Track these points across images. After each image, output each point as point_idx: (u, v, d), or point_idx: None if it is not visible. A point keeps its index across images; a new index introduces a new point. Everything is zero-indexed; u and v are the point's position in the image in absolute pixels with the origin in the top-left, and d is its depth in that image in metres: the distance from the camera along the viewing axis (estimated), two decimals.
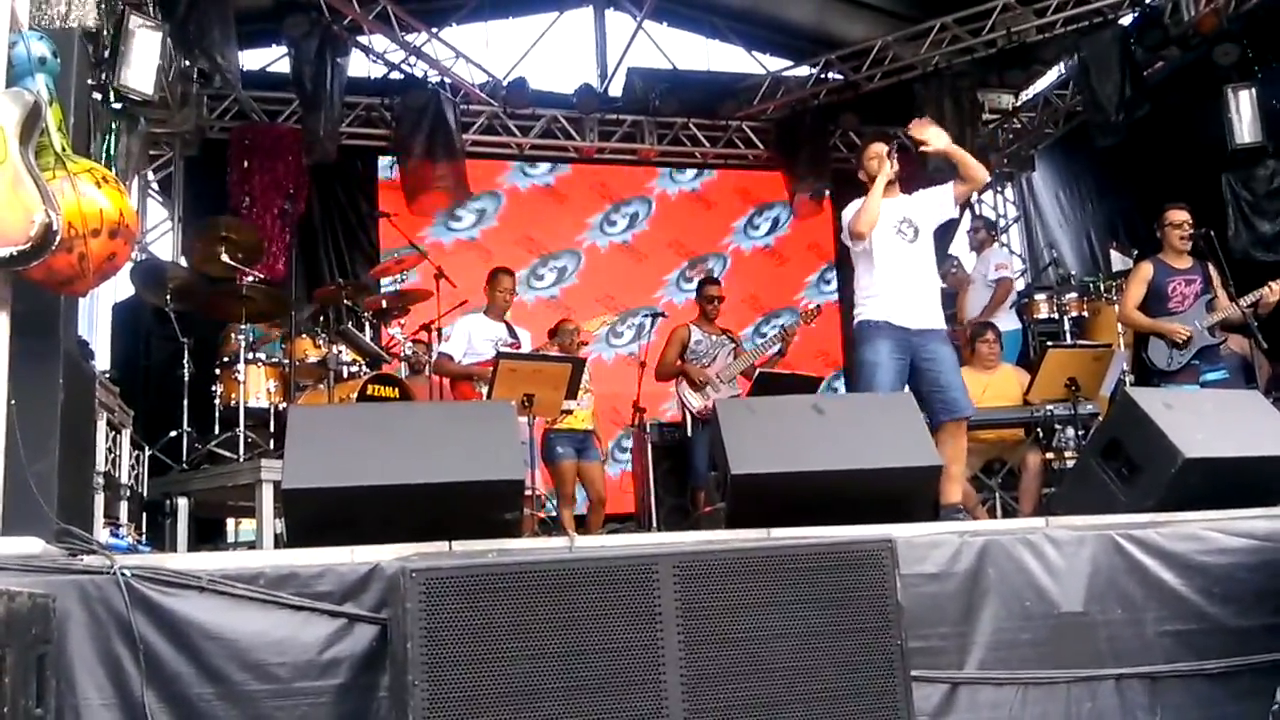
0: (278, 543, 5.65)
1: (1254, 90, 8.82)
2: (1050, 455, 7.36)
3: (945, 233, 10.50)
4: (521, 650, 2.75)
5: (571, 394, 6.47)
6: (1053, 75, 11.21)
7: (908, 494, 4.16)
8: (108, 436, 5.31)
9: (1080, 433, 7.12)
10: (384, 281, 9.32)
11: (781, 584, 2.97)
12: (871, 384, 5.32)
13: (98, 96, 6.73)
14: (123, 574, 3.04)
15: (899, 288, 5.49)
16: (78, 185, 3.33)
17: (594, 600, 2.82)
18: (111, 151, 7.37)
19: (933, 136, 5.60)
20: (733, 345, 8.02)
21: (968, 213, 10.99)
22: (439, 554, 3.30)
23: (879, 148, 5.64)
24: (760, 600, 2.94)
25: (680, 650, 2.85)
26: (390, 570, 3.13)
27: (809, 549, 3.05)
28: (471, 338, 7.27)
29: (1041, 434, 7.35)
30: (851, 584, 3.03)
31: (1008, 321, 8.66)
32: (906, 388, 5.37)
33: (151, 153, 10.29)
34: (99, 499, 5.04)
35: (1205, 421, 4.59)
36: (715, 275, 10.01)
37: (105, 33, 5.07)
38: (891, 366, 5.34)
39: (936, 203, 5.69)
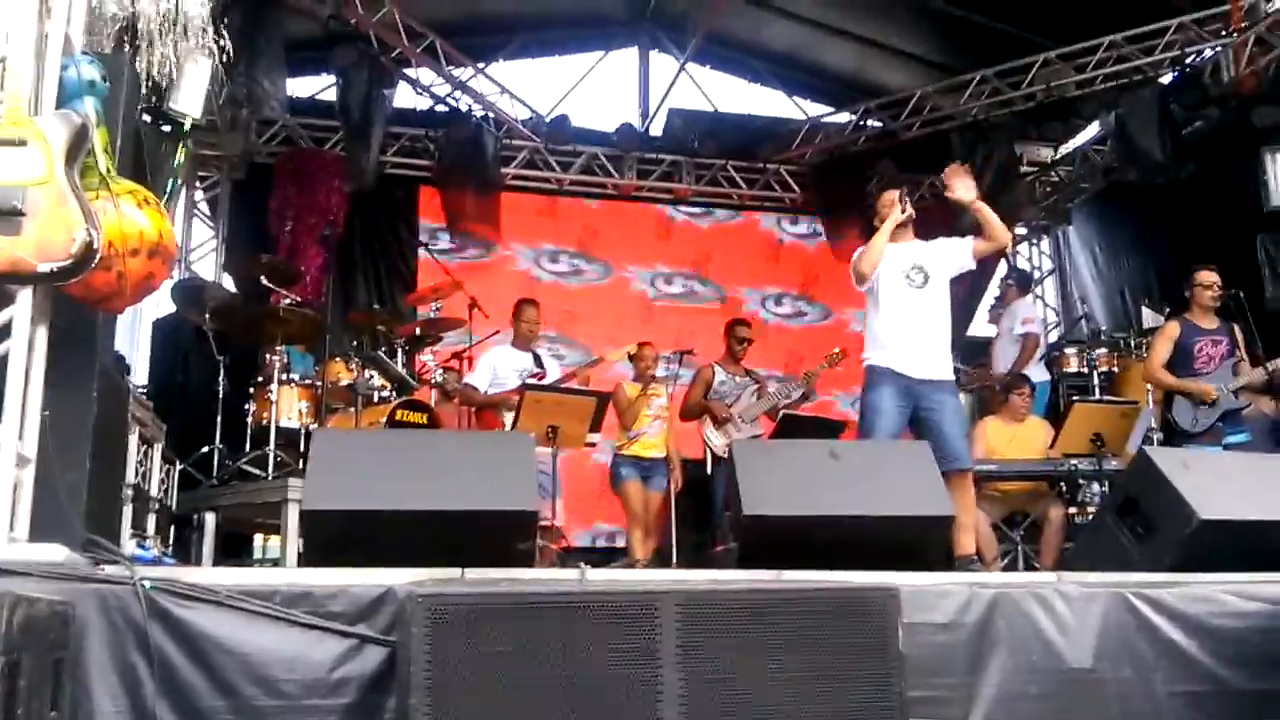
0: (301, 561, 5.73)
1: None
2: (1074, 510, 7.34)
3: (981, 281, 10.62)
4: (523, 680, 2.78)
5: (595, 427, 6.51)
6: (1092, 130, 11.20)
7: (920, 542, 4.18)
8: (139, 450, 5.42)
9: (1105, 488, 7.10)
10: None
11: (783, 627, 2.98)
12: (873, 430, 5.34)
13: (147, 119, 6.89)
14: (142, 585, 3.11)
15: (904, 334, 5.50)
16: (120, 206, 3.44)
17: (596, 635, 2.85)
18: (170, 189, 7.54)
19: (960, 187, 5.60)
20: (756, 386, 8.06)
21: (1003, 263, 11.02)
22: (451, 580, 3.35)
23: (893, 194, 5.67)
24: (762, 643, 2.96)
25: (680, 689, 2.86)
26: (402, 594, 3.19)
27: (812, 594, 3.07)
28: (496, 369, 7.33)
29: (1065, 488, 7.34)
30: (854, 631, 3.04)
31: (1036, 374, 8.64)
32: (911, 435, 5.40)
33: (200, 174, 10.53)
34: (127, 511, 5.14)
35: (1224, 483, 4.57)
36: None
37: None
38: (893, 414, 5.36)
39: (953, 253, 5.68)
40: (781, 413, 7.75)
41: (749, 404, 7.90)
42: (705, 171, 11.64)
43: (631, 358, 7.76)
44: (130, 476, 5.17)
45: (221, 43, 6.07)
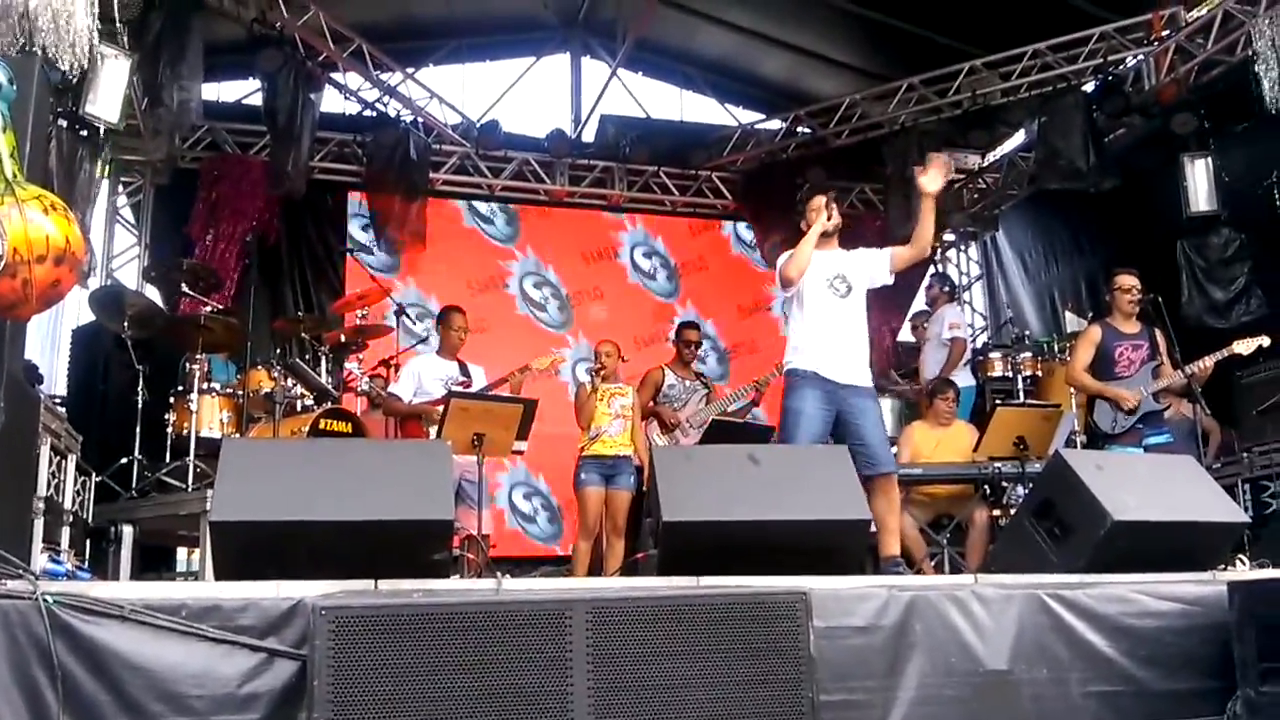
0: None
1: (1209, 159, 9.02)
2: (998, 512, 7.43)
3: (910, 287, 10.74)
4: (431, 691, 2.76)
5: (522, 435, 6.46)
6: (1018, 138, 11.38)
7: (837, 546, 4.19)
8: (52, 461, 5.28)
9: (1028, 490, 7.18)
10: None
11: (694, 632, 2.99)
12: (795, 433, 5.34)
13: (63, 123, 6.79)
14: (45, 600, 3.04)
15: (828, 340, 5.52)
16: (25, 212, 3.36)
17: (506, 643, 2.84)
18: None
19: (934, 174, 5.52)
20: (706, 391, 8.05)
21: (930, 269, 11.14)
22: (360, 592, 3.30)
23: (821, 199, 5.69)
24: (673, 648, 2.96)
25: (589, 696, 2.86)
26: (311, 606, 3.14)
27: (722, 598, 3.07)
28: (421, 378, 7.23)
29: (989, 491, 7.43)
30: (765, 635, 3.05)
31: (962, 378, 8.75)
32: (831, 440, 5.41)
33: (123, 179, 10.35)
34: (39, 524, 5.01)
35: (1137, 485, 4.64)
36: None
37: (74, 62, 5.10)
38: (817, 417, 5.36)
39: (872, 265, 5.74)
40: (711, 419, 7.75)
41: (697, 409, 7.89)
42: (637, 178, 11.65)
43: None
44: (42, 489, 5.04)
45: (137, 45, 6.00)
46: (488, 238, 11.20)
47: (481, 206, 11.25)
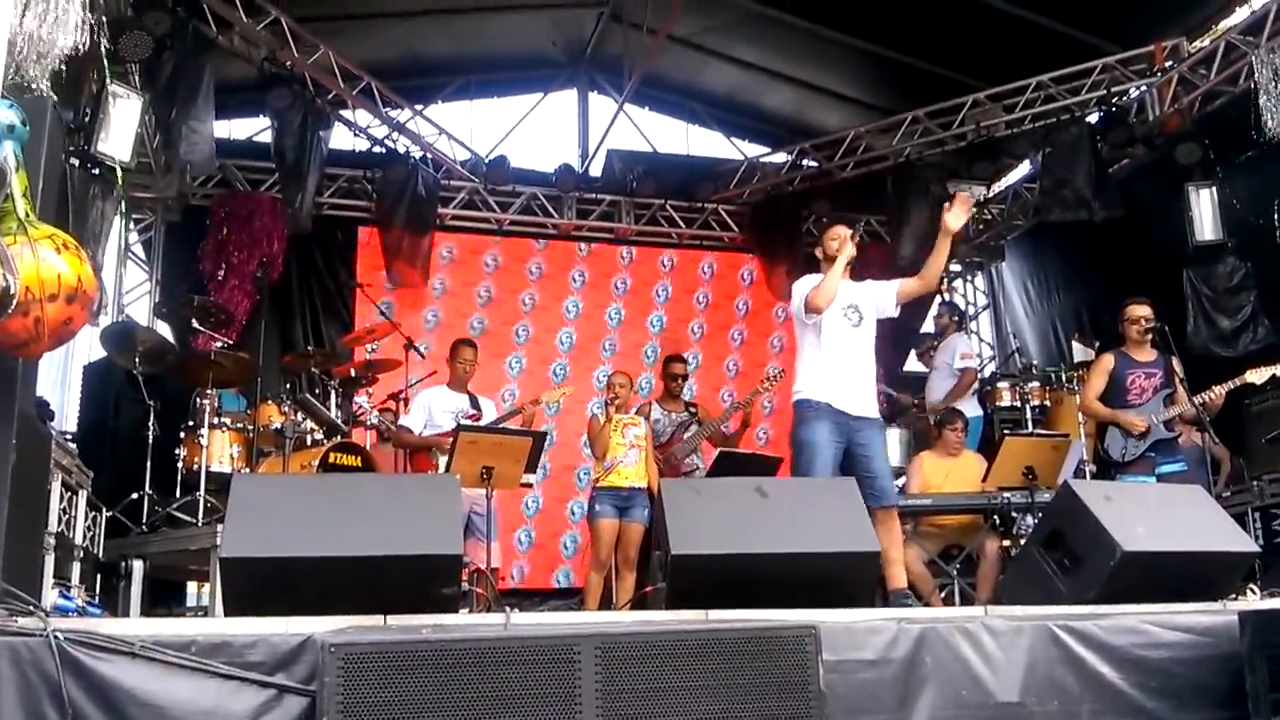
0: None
1: (1214, 189, 9.05)
2: (1008, 542, 7.39)
3: (917, 315, 10.75)
4: None
5: (531, 467, 6.46)
6: (1023, 169, 11.44)
7: (847, 578, 4.19)
8: (63, 497, 5.29)
9: (1037, 520, 7.16)
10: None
11: (703, 668, 2.98)
12: (811, 466, 5.34)
13: (74, 162, 6.85)
14: (55, 637, 3.05)
15: (841, 370, 5.55)
16: (37, 251, 3.39)
17: (515, 680, 2.84)
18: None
19: (959, 212, 5.55)
20: (693, 421, 8.03)
21: (937, 297, 11.15)
22: (370, 628, 3.31)
23: (842, 230, 5.72)
24: (682, 684, 2.95)
25: None
26: (320, 642, 3.14)
27: (731, 633, 3.07)
28: (431, 410, 7.26)
29: (999, 521, 7.41)
30: (774, 669, 3.04)
31: (970, 408, 8.74)
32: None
33: (134, 216, 10.42)
34: (50, 560, 5.02)
35: (1147, 515, 4.64)
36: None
37: (85, 100, 5.16)
38: (830, 449, 5.37)
39: (879, 296, 5.77)
40: (718, 450, 7.73)
41: (685, 437, 7.88)
42: (644, 211, 11.69)
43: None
44: (53, 524, 5.05)
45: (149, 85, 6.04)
46: None
47: None
